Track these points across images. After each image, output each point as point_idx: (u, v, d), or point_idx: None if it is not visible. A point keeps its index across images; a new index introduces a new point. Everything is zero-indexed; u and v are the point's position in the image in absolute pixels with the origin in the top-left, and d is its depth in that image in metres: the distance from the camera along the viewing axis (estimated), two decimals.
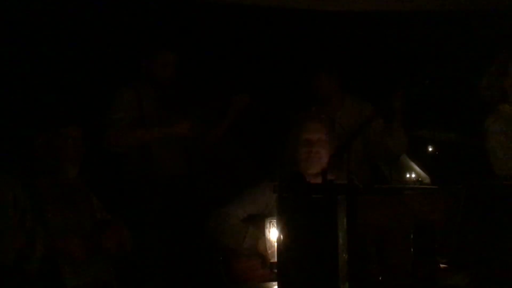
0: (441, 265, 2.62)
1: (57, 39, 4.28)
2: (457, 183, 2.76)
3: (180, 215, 4.04)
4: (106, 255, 3.10)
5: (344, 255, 2.29)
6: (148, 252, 3.87)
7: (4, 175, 3.05)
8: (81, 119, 3.23)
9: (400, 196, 2.63)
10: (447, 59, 4.64)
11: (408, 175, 3.76)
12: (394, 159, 3.96)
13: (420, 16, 4.67)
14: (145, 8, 4.42)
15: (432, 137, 4.15)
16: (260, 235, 3.17)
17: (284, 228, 2.43)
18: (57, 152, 3.11)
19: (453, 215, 2.63)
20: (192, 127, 3.98)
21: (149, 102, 4.02)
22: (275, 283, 2.61)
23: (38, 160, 3.12)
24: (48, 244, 2.92)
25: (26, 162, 3.14)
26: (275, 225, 2.83)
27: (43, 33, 4.24)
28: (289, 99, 4.51)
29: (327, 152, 3.28)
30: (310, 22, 4.67)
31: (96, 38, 4.36)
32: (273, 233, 2.95)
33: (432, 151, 4.16)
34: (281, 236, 2.44)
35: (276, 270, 2.59)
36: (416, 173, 3.85)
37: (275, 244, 2.74)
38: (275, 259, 2.65)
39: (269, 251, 3.00)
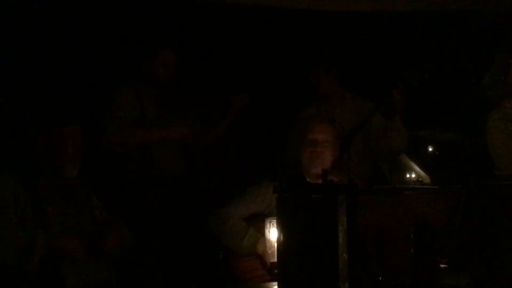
0: (441, 265, 2.62)
1: (57, 39, 4.28)
2: (457, 183, 2.76)
3: (180, 215, 4.04)
4: (106, 255, 3.10)
5: (344, 255, 2.29)
6: (148, 252, 3.87)
7: (4, 175, 3.05)
8: (81, 118, 3.23)
9: (400, 196, 2.63)
10: (447, 59, 4.64)
11: (408, 175, 3.75)
12: (395, 156, 3.95)
13: (420, 16, 4.67)
14: (145, 8, 4.42)
15: (432, 137, 4.14)
16: (259, 236, 3.17)
17: (284, 228, 2.43)
18: (57, 152, 3.11)
19: (453, 215, 2.63)
20: (191, 132, 3.98)
21: (149, 102, 4.02)
22: (275, 283, 2.62)
23: (38, 160, 3.12)
24: (48, 244, 2.92)
25: (26, 162, 3.14)
26: (275, 225, 2.83)
27: (43, 33, 4.24)
28: (288, 98, 4.51)
29: (332, 154, 3.28)
30: (310, 22, 4.67)
31: (96, 38, 4.36)
32: (273, 233, 2.95)
33: (432, 151, 4.16)
34: (281, 236, 2.44)
35: (276, 270, 2.59)
36: (416, 173, 3.84)
37: (275, 244, 2.74)
38: (275, 259, 2.65)
39: (269, 251, 3.00)
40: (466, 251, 2.60)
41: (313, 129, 3.33)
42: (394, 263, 2.46)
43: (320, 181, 2.93)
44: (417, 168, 3.93)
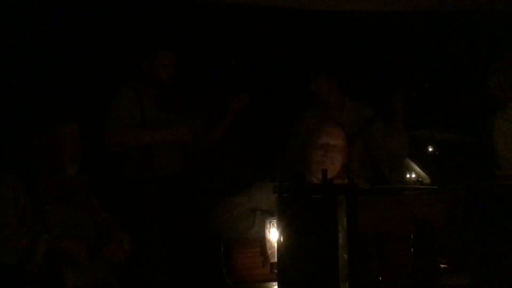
0: (441, 265, 2.62)
1: (57, 39, 4.28)
2: (457, 183, 2.76)
3: (179, 215, 4.04)
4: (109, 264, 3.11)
5: (344, 255, 2.29)
6: (148, 252, 3.87)
7: (4, 175, 3.05)
8: (79, 117, 3.23)
9: (400, 197, 2.63)
10: (447, 59, 4.64)
11: (408, 175, 3.76)
12: (396, 162, 3.95)
13: (420, 16, 4.67)
14: (145, 8, 4.42)
15: (432, 137, 4.15)
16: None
17: (284, 228, 2.43)
18: (56, 151, 3.11)
19: (453, 215, 2.63)
20: (191, 132, 3.99)
21: (149, 102, 4.02)
22: (275, 283, 2.61)
23: (38, 159, 3.12)
24: (49, 244, 2.92)
25: (26, 162, 3.14)
26: (275, 225, 2.83)
27: (43, 33, 4.24)
28: (288, 98, 4.51)
29: (342, 158, 3.27)
30: (310, 22, 4.67)
31: (96, 38, 4.36)
32: (273, 234, 2.95)
33: (432, 151, 4.16)
34: (281, 237, 2.44)
35: (276, 270, 2.59)
36: (416, 173, 3.85)
37: (275, 244, 2.73)
38: (275, 259, 2.65)
39: (269, 251, 3.00)
40: (466, 251, 2.60)
41: (324, 133, 3.29)
42: (394, 263, 2.46)
43: None
44: (417, 168, 3.93)
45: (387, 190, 3.22)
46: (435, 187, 3.15)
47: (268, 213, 3.12)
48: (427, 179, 3.83)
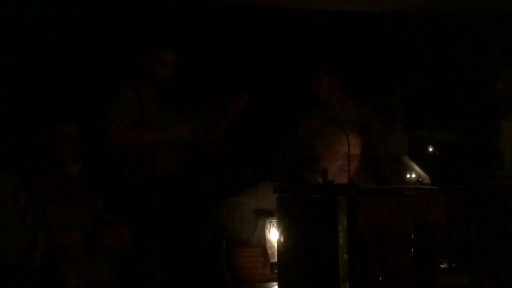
0: (441, 265, 2.62)
1: (57, 39, 4.28)
2: (457, 183, 2.76)
3: (179, 214, 4.04)
4: (107, 254, 3.10)
5: (344, 255, 2.29)
6: (148, 251, 3.87)
7: (4, 174, 3.05)
8: (78, 116, 3.23)
9: (400, 197, 2.63)
10: (447, 59, 4.64)
11: (408, 175, 3.76)
12: (395, 162, 3.95)
13: (420, 16, 4.67)
14: (145, 8, 4.42)
15: (432, 137, 4.15)
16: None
17: (284, 228, 2.43)
18: (56, 150, 3.11)
19: (453, 215, 2.63)
20: (191, 131, 3.99)
21: (149, 102, 4.02)
22: (275, 283, 2.61)
23: (38, 158, 3.12)
24: (49, 243, 2.92)
25: (26, 161, 3.15)
26: (275, 225, 2.83)
27: (43, 33, 4.24)
28: (288, 98, 4.51)
29: (358, 165, 3.26)
30: (310, 22, 4.67)
31: (96, 38, 4.36)
32: (273, 233, 2.95)
33: (432, 151, 4.16)
34: (281, 237, 2.44)
35: (276, 270, 2.59)
36: (416, 173, 3.85)
37: (275, 244, 2.73)
38: (275, 259, 2.65)
39: (269, 251, 3.00)
40: (466, 251, 2.61)
41: (345, 143, 3.24)
42: (394, 263, 2.46)
43: None
44: (417, 168, 3.93)
45: (387, 190, 3.21)
46: (435, 187, 3.15)
47: (274, 214, 3.11)
48: (427, 179, 3.82)
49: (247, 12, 4.54)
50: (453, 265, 2.68)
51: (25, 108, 3.98)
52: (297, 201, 2.40)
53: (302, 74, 4.19)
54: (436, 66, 4.45)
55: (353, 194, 2.34)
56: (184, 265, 4.08)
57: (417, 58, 4.59)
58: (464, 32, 4.59)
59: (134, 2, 4.43)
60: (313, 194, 2.39)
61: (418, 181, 3.81)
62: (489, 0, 4.47)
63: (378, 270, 2.43)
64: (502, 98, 3.87)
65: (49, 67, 4.26)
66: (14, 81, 4.16)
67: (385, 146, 3.94)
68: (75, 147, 3.15)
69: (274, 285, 2.75)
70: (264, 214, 3.17)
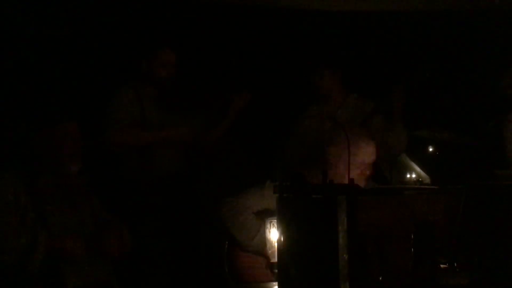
0: (441, 265, 2.62)
1: (57, 39, 4.28)
2: (457, 183, 2.76)
3: (180, 214, 4.04)
4: (107, 257, 3.10)
5: (344, 255, 2.29)
6: (148, 252, 3.87)
7: (4, 174, 3.05)
8: (78, 116, 3.23)
9: (400, 196, 2.64)
10: (446, 59, 4.64)
11: (408, 175, 3.75)
12: (394, 158, 3.95)
13: (420, 16, 4.68)
14: (145, 8, 4.42)
15: (432, 137, 4.14)
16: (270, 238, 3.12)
17: (284, 228, 2.43)
18: (56, 149, 3.11)
19: (453, 215, 2.63)
20: (191, 131, 3.99)
21: (149, 102, 4.02)
22: (275, 283, 2.62)
23: (38, 158, 3.12)
24: (49, 243, 2.92)
25: (26, 161, 3.14)
26: (275, 225, 2.83)
27: (43, 33, 4.24)
28: (289, 97, 4.51)
29: (372, 173, 3.26)
30: (310, 22, 4.67)
31: (96, 37, 4.37)
32: (273, 233, 2.95)
33: (432, 151, 4.16)
34: (281, 236, 2.44)
35: (276, 270, 2.59)
36: (416, 173, 3.84)
37: (275, 244, 2.74)
38: (275, 259, 2.65)
39: (270, 251, 3.00)
40: (466, 251, 2.60)
41: (362, 151, 3.22)
42: (394, 263, 2.47)
43: None
44: (417, 168, 3.93)
45: (387, 190, 3.21)
46: (435, 187, 3.15)
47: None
48: (427, 179, 3.82)
49: (247, 12, 4.54)
50: (453, 265, 2.67)
51: (25, 108, 3.97)
52: (297, 201, 2.40)
53: (302, 74, 4.18)
54: (436, 66, 4.45)
55: (353, 194, 2.34)
56: (185, 265, 4.08)
57: (418, 57, 4.59)
58: (464, 32, 4.59)
59: (134, 2, 4.43)
60: (313, 194, 2.39)
61: (418, 181, 3.80)
62: (489, 0, 4.46)
63: (378, 270, 2.43)
64: (509, 94, 3.87)
65: (49, 67, 4.26)
66: (14, 81, 4.16)
67: (384, 141, 3.93)
68: (75, 147, 3.15)
69: (274, 285, 2.75)
70: (272, 215, 3.15)
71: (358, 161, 3.17)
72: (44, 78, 4.23)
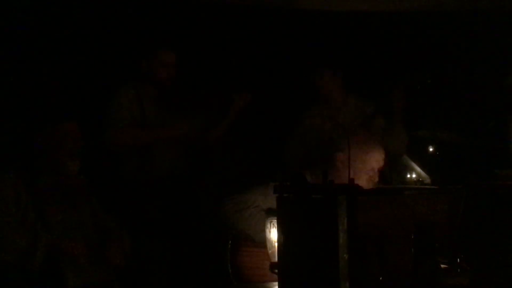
0: (442, 265, 2.62)
1: (57, 39, 4.28)
2: (457, 183, 2.76)
3: (180, 215, 4.04)
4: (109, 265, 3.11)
5: (344, 255, 2.29)
6: (148, 252, 3.87)
7: (5, 174, 3.05)
8: (77, 115, 3.23)
9: (401, 196, 2.63)
10: (447, 59, 4.64)
11: (408, 175, 3.76)
12: (394, 159, 3.95)
13: (420, 16, 4.67)
14: (145, 8, 4.42)
15: (432, 137, 4.15)
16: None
17: (285, 228, 2.43)
18: (56, 149, 3.12)
19: (454, 215, 2.63)
20: (192, 127, 3.98)
21: (149, 102, 4.02)
22: (275, 283, 2.61)
23: (39, 158, 3.12)
24: (49, 243, 2.92)
25: (27, 161, 3.15)
26: (275, 225, 2.83)
27: (43, 33, 4.24)
28: (289, 97, 4.51)
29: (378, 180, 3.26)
30: (311, 22, 4.67)
31: (96, 37, 4.37)
32: (273, 233, 2.95)
33: (432, 151, 4.16)
34: (282, 237, 2.44)
35: (276, 270, 2.59)
36: (417, 173, 3.85)
37: (276, 244, 2.74)
38: (276, 259, 2.65)
39: (270, 251, 3.00)
40: (466, 251, 2.60)
41: (372, 159, 3.20)
42: (394, 263, 2.46)
43: None
44: (418, 168, 3.94)
45: (387, 190, 3.21)
46: (436, 187, 3.15)
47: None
48: (427, 179, 3.82)
49: (247, 12, 4.54)
50: (454, 265, 2.67)
51: (25, 108, 3.97)
52: (297, 201, 2.40)
53: (303, 74, 4.19)
54: (436, 66, 4.45)
55: (353, 194, 2.34)
56: (186, 265, 4.08)
57: (418, 57, 4.59)
58: (464, 32, 4.59)
59: (134, 2, 4.43)
60: (313, 194, 2.39)
61: (418, 181, 3.81)
62: (489, 0, 4.47)
63: (378, 270, 2.43)
64: None
65: (49, 67, 4.26)
66: (14, 81, 4.16)
67: (385, 142, 3.93)
68: (75, 147, 3.15)
69: (274, 285, 2.75)
70: (274, 215, 3.14)
71: (368, 167, 3.16)
72: (44, 78, 4.23)
